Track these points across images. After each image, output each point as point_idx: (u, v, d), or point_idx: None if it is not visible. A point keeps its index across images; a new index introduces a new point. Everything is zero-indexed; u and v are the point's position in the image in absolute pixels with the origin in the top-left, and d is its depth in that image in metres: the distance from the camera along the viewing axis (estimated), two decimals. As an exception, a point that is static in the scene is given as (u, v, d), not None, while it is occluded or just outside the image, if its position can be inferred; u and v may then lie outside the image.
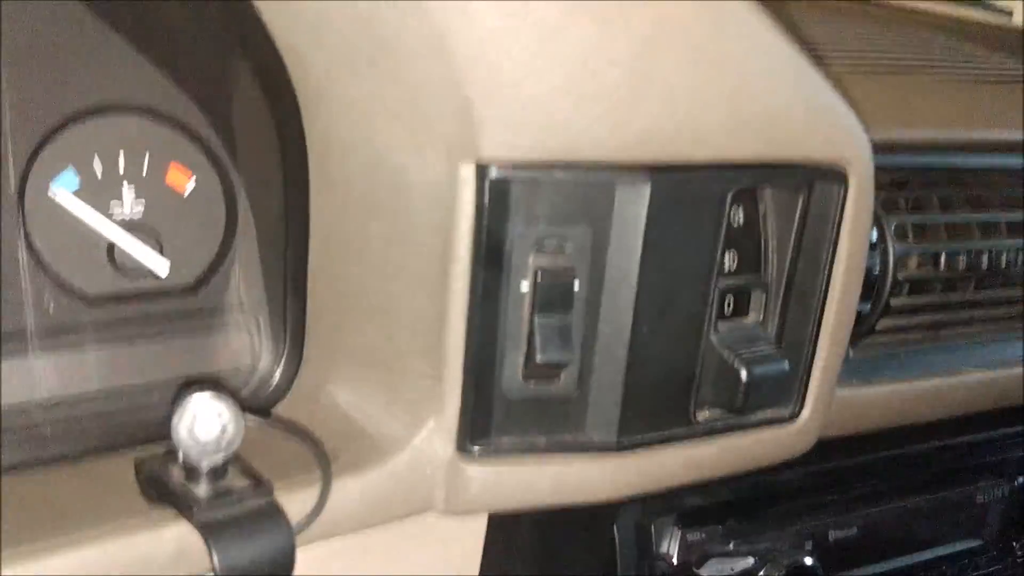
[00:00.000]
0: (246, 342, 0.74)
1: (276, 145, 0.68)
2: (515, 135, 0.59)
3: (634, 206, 0.65)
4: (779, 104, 0.65)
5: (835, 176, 0.71)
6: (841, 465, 1.00)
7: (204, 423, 0.55)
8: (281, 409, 0.74)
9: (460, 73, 0.56)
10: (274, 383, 0.74)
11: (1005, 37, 1.44)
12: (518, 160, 0.60)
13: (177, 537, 0.57)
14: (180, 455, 0.57)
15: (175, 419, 0.55)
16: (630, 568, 0.86)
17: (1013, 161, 0.99)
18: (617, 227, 0.65)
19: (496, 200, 0.62)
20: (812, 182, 0.71)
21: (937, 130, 0.97)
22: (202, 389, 0.56)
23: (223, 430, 0.56)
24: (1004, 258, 0.95)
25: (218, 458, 0.57)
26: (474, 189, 0.61)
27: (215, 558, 0.54)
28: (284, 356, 0.74)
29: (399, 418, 0.68)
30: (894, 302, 0.89)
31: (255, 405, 0.73)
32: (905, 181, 0.94)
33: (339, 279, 0.70)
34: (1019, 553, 1.12)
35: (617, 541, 0.85)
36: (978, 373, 0.96)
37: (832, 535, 0.97)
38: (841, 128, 0.70)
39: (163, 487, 0.58)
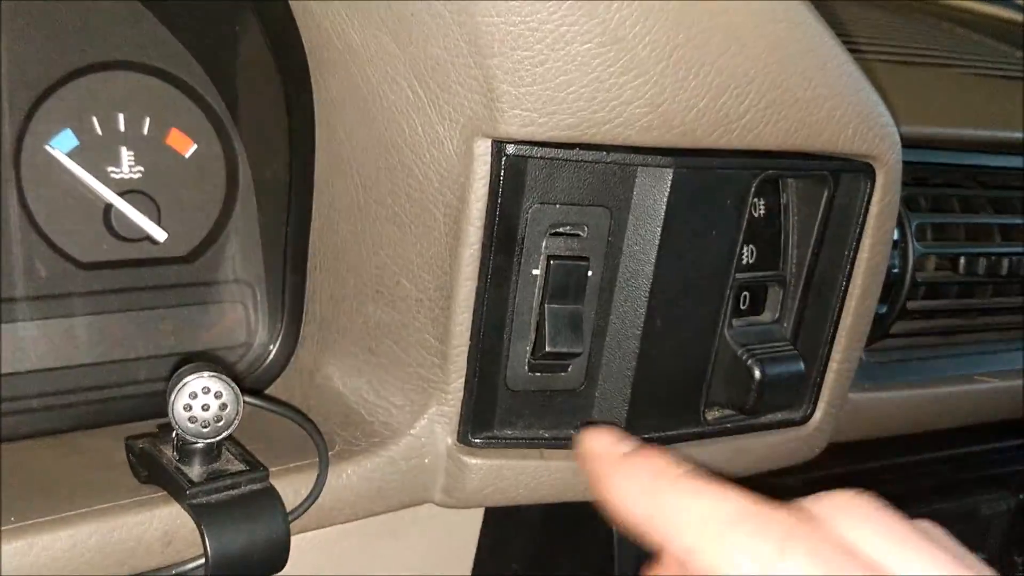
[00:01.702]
0: (241, 317, 0.72)
1: (282, 108, 0.65)
2: (535, 112, 0.56)
3: (655, 191, 0.62)
4: (812, 92, 0.62)
5: (863, 169, 0.69)
6: (843, 471, 0.97)
7: (202, 403, 0.53)
8: (275, 389, 0.72)
9: (484, 44, 0.53)
10: (269, 361, 0.72)
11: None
12: (536, 138, 0.58)
13: (167, 519, 0.55)
14: (174, 434, 0.55)
15: (172, 397, 0.52)
16: (628, 567, 0.84)
17: (1035, 164, 0.97)
18: (636, 213, 0.63)
19: (511, 179, 0.59)
20: (838, 174, 0.69)
21: (959, 127, 0.94)
22: (201, 368, 0.53)
23: (221, 410, 0.53)
24: (1024, 264, 0.93)
25: (213, 439, 0.54)
26: (489, 166, 0.58)
27: (207, 542, 0.52)
28: (281, 333, 0.71)
29: (398, 404, 0.66)
30: (911, 305, 0.87)
31: (249, 383, 0.70)
32: (925, 178, 0.92)
33: (341, 255, 0.67)
34: (1022, 568, 1.10)
35: (616, 538, 0.83)
36: (991, 382, 0.94)
37: (834, 541, 0.95)
38: (872, 121, 0.67)
39: (155, 467, 0.55)
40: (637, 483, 0.45)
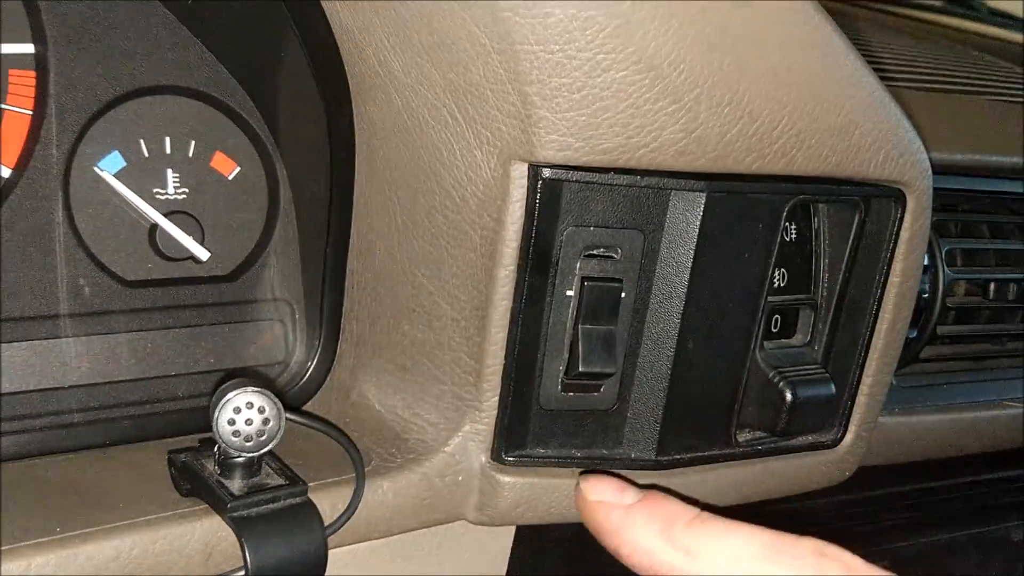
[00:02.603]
0: (280, 335, 0.73)
1: (324, 132, 0.67)
2: (572, 137, 0.57)
3: (688, 215, 0.63)
4: (844, 119, 0.63)
5: (893, 195, 0.70)
6: (873, 494, 0.97)
7: (245, 417, 0.54)
8: (312, 405, 0.73)
9: (523, 71, 0.55)
10: (306, 378, 0.73)
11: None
12: (572, 162, 0.59)
13: (208, 531, 0.56)
14: (216, 448, 0.56)
15: (216, 411, 0.54)
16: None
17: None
18: (669, 235, 0.64)
19: (547, 202, 0.60)
20: (869, 200, 0.70)
21: (988, 154, 0.94)
22: (245, 383, 0.54)
23: (264, 425, 0.54)
24: (1054, 291, 0.93)
25: (255, 454, 0.55)
26: (525, 190, 0.60)
27: (247, 554, 0.53)
28: (318, 351, 0.73)
29: (433, 422, 0.67)
30: (941, 329, 0.87)
31: (286, 400, 0.71)
32: (955, 204, 0.93)
33: (378, 275, 0.69)
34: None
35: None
36: (1020, 407, 0.94)
37: (862, 566, 0.95)
38: (903, 147, 0.68)
39: (197, 480, 0.57)
40: (652, 531, 0.45)
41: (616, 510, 0.47)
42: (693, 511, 0.45)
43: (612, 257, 0.64)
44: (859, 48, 0.64)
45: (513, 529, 0.76)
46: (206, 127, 0.69)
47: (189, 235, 0.68)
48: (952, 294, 0.88)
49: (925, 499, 1.00)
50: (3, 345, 0.64)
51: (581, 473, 0.65)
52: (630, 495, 0.48)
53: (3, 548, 0.52)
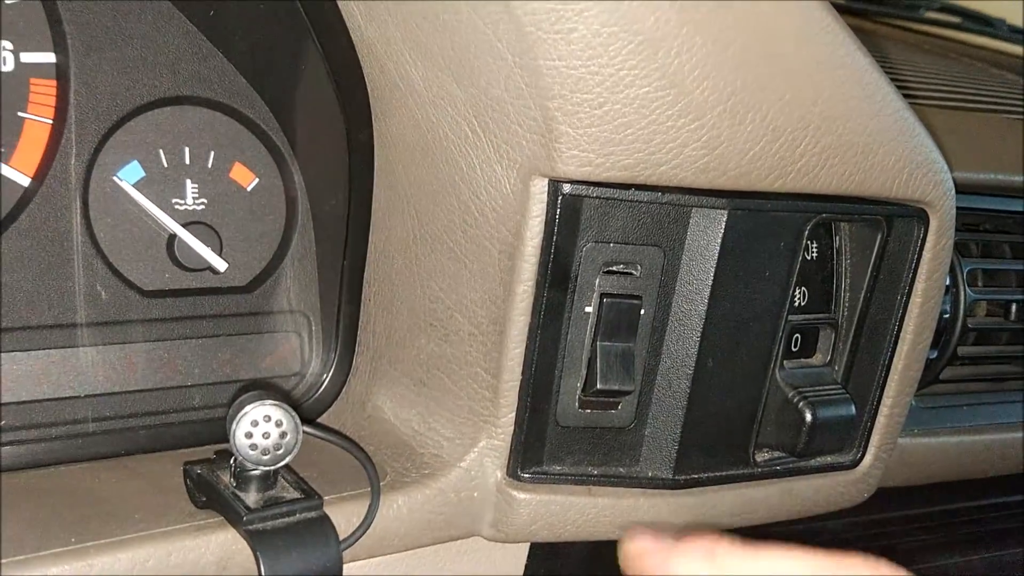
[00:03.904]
0: (296, 347, 0.73)
1: (343, 145, 0.67)
2: (593, 153, 0.57)
3: (709, 232, 0.63)
4: (867, 137, 0.63)
5: (916, 215, 0.69)
6: (892, 516, 0.96)
7: (263, 430, 0.54)
8: (327, 418, 0.73)
9: (545, 87, 0.54)
10: (321, 390, 0.73)
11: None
12: (593, 178, 0.59)
13: (223, 544, 0.56)
14: (233, 460, 0.56)
15: (234, 424, 0.53)
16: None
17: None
18: (689, 253, 0.63)
19: (566, 218, 0.60)
20: (892, 219, 0.69)
21: (1010, 173, 0.94)
22: (263, 396, 0.54)
23: (281, 438, 0.54)
24: (1076, 312, 0.92)
25: (272, 467, 0.55)
26: (545, 205, 0.59)
27: (262, 568, 0.53)
28: (334, 363, 0.72)
29: (449, 437, 0.66)
30: (961, 350, 0.87)
31: (301, 412, 0.71)
32: (976, 224, 0.92)
33: (395, 288, 0.69)
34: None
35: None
36: (1042, 429, 0.93)
37: (880, 588, 0.94)
38: (926, 166, 0.67)
39: (212, 492, 0.56)
40: (697, 561, 0.45)
41: (658, 553, 0.46)
42: (731, 539, 0.44)
43: (631, 274, 0.63)
44: (881, 66, 0.64)
45: (527, 545, 0.75)
46: (225, 138, 0.69)
47: (207, 246, 0.68)
48: (973, 314, 0.88)
49: (944, 521, 0.99)
50: (20, 354, 0.64)
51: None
52: (668, 539, 0.48)
53: (19, 558, 0.52)
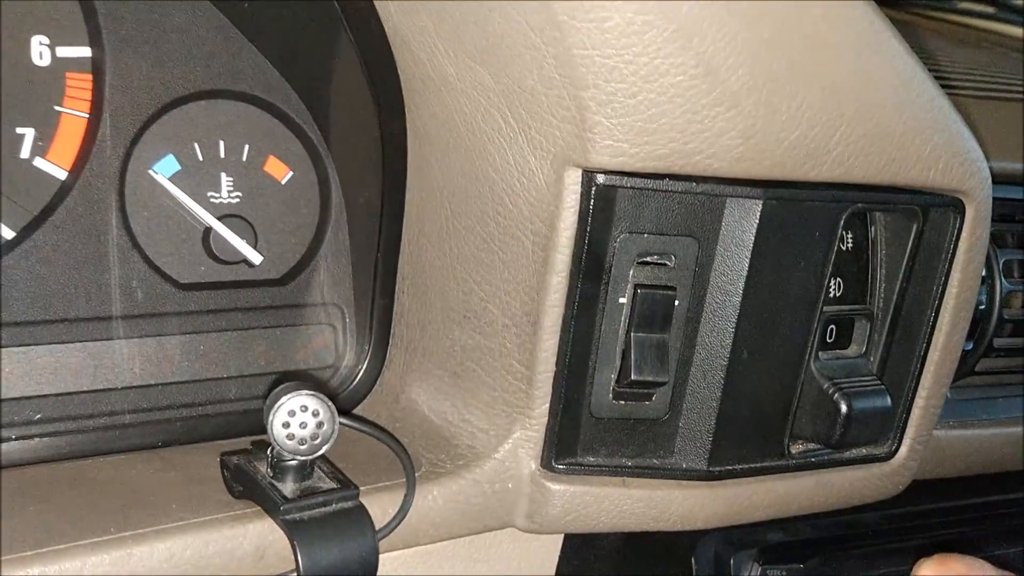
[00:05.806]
0: (330, 339, 0.73)
1: (376, 137, 0.67)
2: (627, 143, 0.57)
3: (744, 222, 0.62)
4: (903, 126, 0.62)
5: (952, 205, 0.68)
6: (928, 508, 0.95)
7: (300, 420, 0.54)
8: (361, 409, 0.73)
9: (578, 76, 0.54)
10: (356, 382, 0.73)
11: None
12: (627, 168, 0.58)
13: (260, 534, 0.56)
14: (270, 451, 0.56)
15: (271, 414, 0.54)
16: (705, 599, 0.83)
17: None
18: (724, 243, 0.63)
19: (600, 208, 0.60)
20: (928, 209, 0.68)
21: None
22: (300, 386, 0.55)
23: (318, 428, 0.55)
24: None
25: (309, 457, 0.55)
26: (578, 196, 0.59)
27: (299, 557, 0.53)
28: (368, 355, 0.73)
29: (483, 428, 0.66)
30: (997, 342, 0.86)
31: (336, 404, 0.71)
32: (1012, 215, 0.91)
33: (429, 280, 0.69)
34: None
35: (694, 572, 0.83)
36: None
37: (915, 582, 0.93)
38: (963, 156, 0.66)
39: (249, 482, 0.57)
40: None
41: None
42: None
43: (666, 264, 0.63)
44: (921, 56, 0.63)
45: (561, 536, 0.75)
46: (260, 132, 0.70)
47: (242, 239, 0.69)
48: (1009, 306, 0.86)
49: (980, 514, 0.98)
50: (57, 346, 0.65)
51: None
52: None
53: (59, 548, 0.53)
